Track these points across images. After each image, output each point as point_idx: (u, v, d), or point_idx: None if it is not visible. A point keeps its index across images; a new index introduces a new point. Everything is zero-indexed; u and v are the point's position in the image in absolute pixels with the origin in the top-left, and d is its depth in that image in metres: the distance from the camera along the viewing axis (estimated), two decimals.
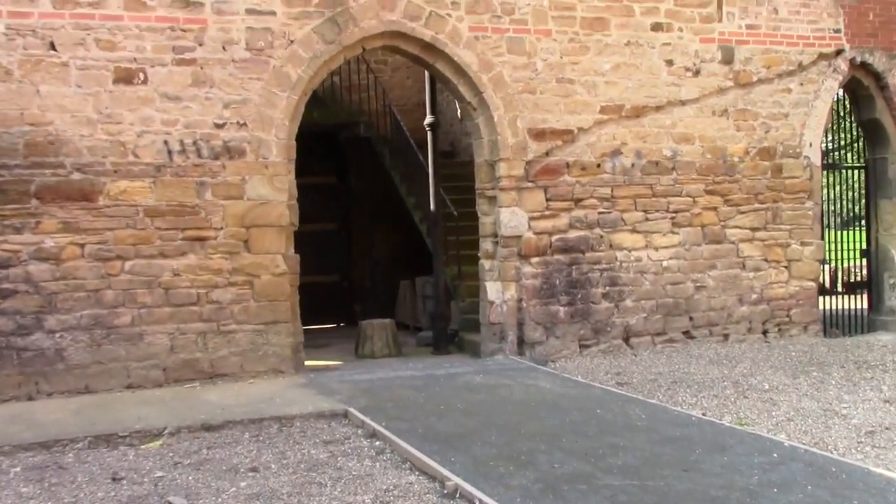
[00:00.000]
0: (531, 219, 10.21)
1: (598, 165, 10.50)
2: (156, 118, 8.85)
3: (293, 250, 9.46)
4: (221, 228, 9.07)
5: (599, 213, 10.50)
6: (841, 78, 11.65)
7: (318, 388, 8.56)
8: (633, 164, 10.64)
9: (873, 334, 12.01)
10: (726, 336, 11.12)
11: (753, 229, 11.26)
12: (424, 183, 13.44)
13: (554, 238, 10.31)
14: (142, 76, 8.81)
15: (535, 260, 10.23)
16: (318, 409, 7.63)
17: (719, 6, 10.96)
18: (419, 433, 6.68)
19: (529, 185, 10.21)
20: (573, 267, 10.38)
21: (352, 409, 7.54)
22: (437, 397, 8.01)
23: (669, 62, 10.75)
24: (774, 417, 7.16)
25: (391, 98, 15.09)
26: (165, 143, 8.88)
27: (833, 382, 8.55)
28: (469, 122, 10.39)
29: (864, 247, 12.98)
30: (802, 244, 11.52)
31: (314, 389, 8.52)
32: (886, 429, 6.72)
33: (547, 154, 10.27)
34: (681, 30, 10.79)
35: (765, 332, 11.34)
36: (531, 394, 8.05)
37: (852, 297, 12.92)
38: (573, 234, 10.39)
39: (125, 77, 8.76)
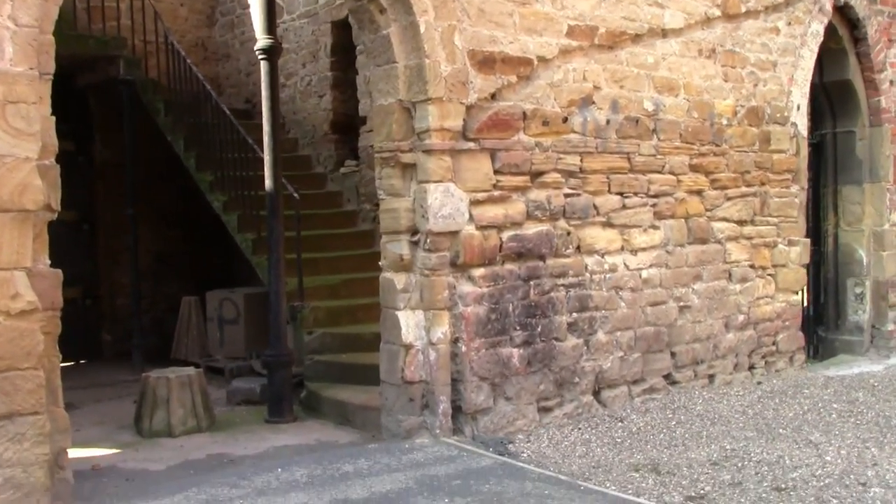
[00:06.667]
0: (472, 202, 6.07)
1: (565, 119, 6.57)
2: None
3: (48, 259, 4.63)
4: None
5: (566, 195, 6.59)
6: (826, 21, 8.66)
7: None
8: (608, 121, 6.84)
9: (845, 360, 9.19)
10: (711, 377, 7.69)
11: (741, 222, 7.92)
12: (232, 152, 8.86)
13: (505, 236, 6.24)
14: None
15: (478, 273, 6.09)
16: None
17: None
18: None
19: (471, 145, 6.06)
20: (531, 283, 6.38)
21: None
22: None
23: None
24: None
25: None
26: None
27: None
28: (371, 35, 5.97)
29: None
30: (789, 244, 8.38)
31: None
32: None
33: (493, 96, 6.18)
34: None
35: (751, 368, 8.07)
36: None
37: None
38: (531, 228, 6.38)
39: None
